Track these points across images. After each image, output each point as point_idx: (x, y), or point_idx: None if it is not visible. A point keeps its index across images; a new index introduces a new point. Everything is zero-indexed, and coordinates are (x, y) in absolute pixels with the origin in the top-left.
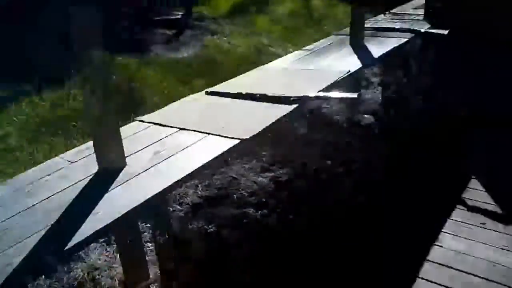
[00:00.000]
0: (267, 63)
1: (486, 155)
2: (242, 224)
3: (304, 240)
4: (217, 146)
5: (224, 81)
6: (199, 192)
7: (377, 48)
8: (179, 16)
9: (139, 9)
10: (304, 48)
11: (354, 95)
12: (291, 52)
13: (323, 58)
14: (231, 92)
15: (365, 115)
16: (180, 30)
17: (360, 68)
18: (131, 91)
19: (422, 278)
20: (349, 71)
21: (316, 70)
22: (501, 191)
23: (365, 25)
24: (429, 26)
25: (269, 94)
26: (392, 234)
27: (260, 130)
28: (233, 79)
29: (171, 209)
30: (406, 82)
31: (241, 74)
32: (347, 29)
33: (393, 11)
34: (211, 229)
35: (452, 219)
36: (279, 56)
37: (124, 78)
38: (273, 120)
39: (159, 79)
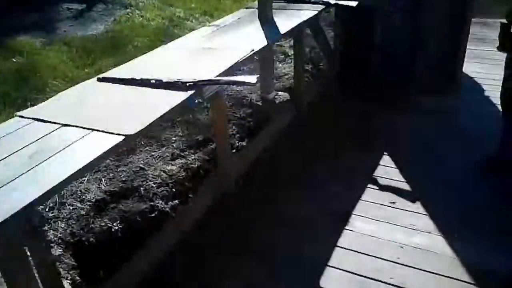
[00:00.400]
0: (178, 38)
1: (397, 132)
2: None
3: None
4: (101, 144)
5: (129, 61)
6: (103, 187)
7: (286, 22)
8: None
9: None
10: (211, 24)
11: (252, 79)
12: (208, 24)
13: (230, 35)
14: (125, 78)
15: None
16: (91, 5)
17: (264, 46)
18: (23, 79)
19: (331, 266)
20: (253, 50)
21: (219, 49)
22: (411, 168)
23: None
24: None
25: (165, 79)
26: (305, 218)
27: (148, 123)
28: (130, 62)
29: (71, 207)
30: (315, 54)
31: (147, 52)
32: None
33: None
34: (115, 227)
35: (362, 200)
36: (192, 29)
37: (17, 63)
38: (166, 111)
39: (59, 62)
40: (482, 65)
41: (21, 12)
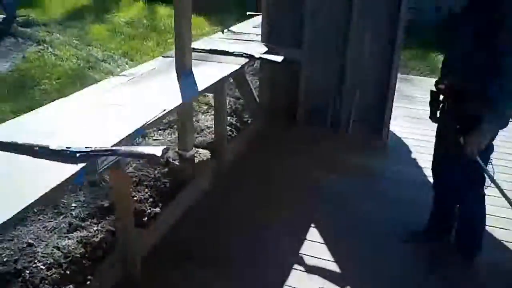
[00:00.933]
0: (90, 83)
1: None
2: None
3: None
4: None
5: (32, 107)
6: None
7: (205, 75)
8: None
9: None
10: (122, 74)
11: (157, 151)
12: (127, 69)
13: (141, 88)
14: (4, 141)
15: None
16: None
17: (178, 106)
18: None
19: None
20: (165, 110)
21: (127, 106)
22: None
23: (199, 46)
24: (266, 49)
25: (52, 145)
26: None
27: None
28: (22, 117)
29: None
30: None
31: (55, 97)
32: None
33: (232, 28)
34: None
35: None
36: (111, 73)
37: None
38: (35, 199)
39: None
40: (408, 122)
41: None
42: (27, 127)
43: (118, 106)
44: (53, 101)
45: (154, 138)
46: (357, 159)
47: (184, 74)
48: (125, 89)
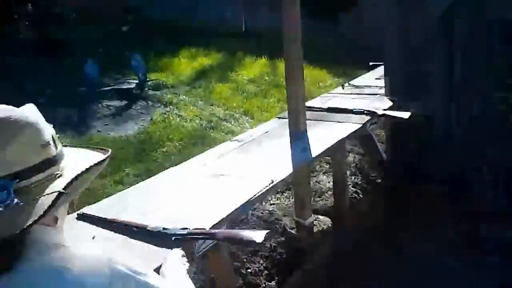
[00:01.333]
0: (209, 143)
1: None
2: None
3: None
4: None
5: (152, 170)
6: None
7: (322, 138)
8: (132, 85)
9: (85, 80)
10: (235, 139)
11: (260, 236)
12: (247, 128)
13: (250, 154)
14: (106, 217)
15: None
16: (131, 101)
17: (288, 175)
18: None
19: None
20: (272, 181)
21: (232, 178)
22: None
23: (315, 104)
24: (390, 104)
25: (151, 226)
26: None
27: None
28: (124, 191)
29: None
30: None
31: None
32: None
33: (353, 82)
34: None
35: None
36: (231, 132)
37: None
38: None
39: None
40: None
41: (58, 108)
42: (129, 201)
43: (224, 177)
44: (170, 167)
45: (270, 202)
46: None
47: (297, 138)
48: (235, 156)
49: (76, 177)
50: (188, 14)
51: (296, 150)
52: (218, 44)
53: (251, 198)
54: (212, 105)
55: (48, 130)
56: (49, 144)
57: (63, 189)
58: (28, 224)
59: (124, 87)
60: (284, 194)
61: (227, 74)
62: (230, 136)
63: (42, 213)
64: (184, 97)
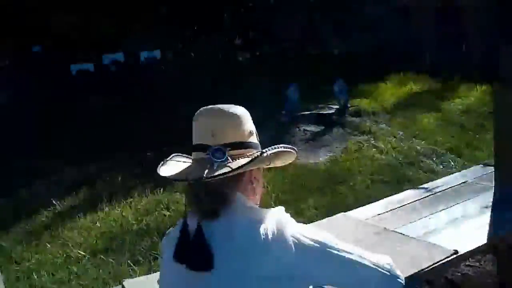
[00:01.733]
0: (406, 183)
1: None
2: None
3: None
4: None
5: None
6: None
7: None
8: (332, 111)
9: (287, 103)
10: (422, 186)
11: None
12: (451, 168)
13: (435, 212)
14: None
15: None
16: (328, 127)
17: (481, 246)
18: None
19: None
20: (456, 251)
21: (405, 238)
22: None
23: None
24: None
25: None
26: None
27: None
28: None
29: None
30: None
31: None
32: None
33: None
34: None
35: None
36: (431, 172)
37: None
38: None
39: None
40: None
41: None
42: None
43: (391, 234)
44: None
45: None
46: None
47: (503, 197)
48: (415, 209)
49: (264, 153)
50: (402, 36)
51: (498, 213)
52: (433, 68)
53: (420, 271)
54: (414, 137)
55: (253, 126)
56: (253, 134)
57: (253, 158)
58: (231, 169)
59: (324, 112)
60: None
61: (437, 102)
62: (430, 175)
63: (239, 166)
64: (384, 126)
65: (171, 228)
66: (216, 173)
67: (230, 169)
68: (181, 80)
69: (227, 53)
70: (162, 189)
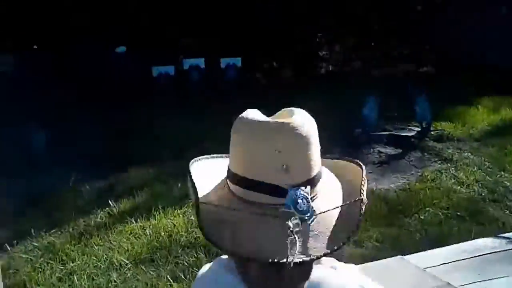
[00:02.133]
0: (487, 223)
1: None
2: None
3: None
4: None
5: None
6: None
7: None
8: (412, 133)
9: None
10: (505, 235)
11: None
12: None
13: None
14: None
15: None
16: (406, 151)
17: None
18: None
19: None
20: None
21: None
22: None
23: None
24: None
25: None
26: None
27: None
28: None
29: None
30: None
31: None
32: None
33: None
34: None
35: None
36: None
37: None
38: None
39: None
40: None
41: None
42: None
43: None
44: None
45: None
46: None
47: None
48: (490, 267)
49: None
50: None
51: None
52: None
53: None
54: (502, 171)
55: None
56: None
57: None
58: (338, 245)
59: (403, 134)
60: None
61: None
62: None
63: (355, 225)
64: (468, 154)
65: (207, 271)
66: (315, 250)
67: (333, 243)
68: (259, 88)
69: (291, 63)
70: None
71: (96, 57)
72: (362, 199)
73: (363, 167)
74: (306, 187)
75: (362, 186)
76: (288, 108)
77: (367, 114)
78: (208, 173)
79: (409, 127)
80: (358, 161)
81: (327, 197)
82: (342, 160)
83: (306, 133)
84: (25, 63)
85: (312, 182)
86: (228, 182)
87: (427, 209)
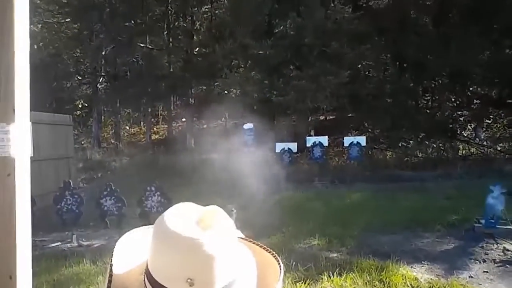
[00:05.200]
0: None
1: None
2: None
3: None
4: None
5: None
6: None
7: None
8: None
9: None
10: None
11: None
12: None
13: None
14: None
15: None
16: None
17: None
18: None
19: None
20: None
21: None
22: None
23: None
24: None
25: None
26: None
27: None
28: None
29: None
30: None
31: None
32: None
33: None
34: None
35: None
36: None
37: None
38: None
39: None
40: None
41: None
42: None
43: None
44: None
45: None
46: None
47: None
48: None
49: None
50: None
51: None
52: None
53: None
54: None
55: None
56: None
57: None
58: None
59: None
60: None
61: None
62: None
63: None
64: None
65: None
66: None
67: None
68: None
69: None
70: None
71: None
72: None
73: (282, 268)
74: None
75: None
76: (214, 210)
77: (492, 202)
78: (139, 245)
79: None
80: (278, 258)
81: None
82: (265, 251)
83: (214, 251)
84: None
85: None
86: (144, 273)
87: None
